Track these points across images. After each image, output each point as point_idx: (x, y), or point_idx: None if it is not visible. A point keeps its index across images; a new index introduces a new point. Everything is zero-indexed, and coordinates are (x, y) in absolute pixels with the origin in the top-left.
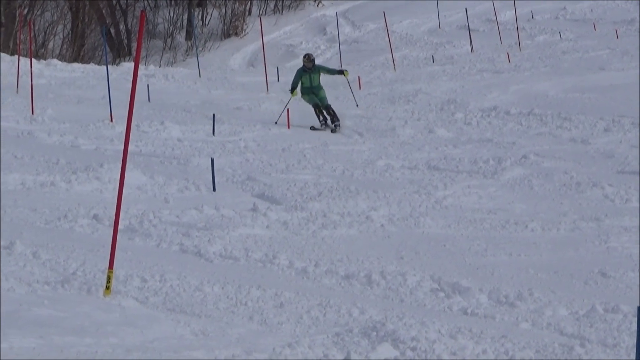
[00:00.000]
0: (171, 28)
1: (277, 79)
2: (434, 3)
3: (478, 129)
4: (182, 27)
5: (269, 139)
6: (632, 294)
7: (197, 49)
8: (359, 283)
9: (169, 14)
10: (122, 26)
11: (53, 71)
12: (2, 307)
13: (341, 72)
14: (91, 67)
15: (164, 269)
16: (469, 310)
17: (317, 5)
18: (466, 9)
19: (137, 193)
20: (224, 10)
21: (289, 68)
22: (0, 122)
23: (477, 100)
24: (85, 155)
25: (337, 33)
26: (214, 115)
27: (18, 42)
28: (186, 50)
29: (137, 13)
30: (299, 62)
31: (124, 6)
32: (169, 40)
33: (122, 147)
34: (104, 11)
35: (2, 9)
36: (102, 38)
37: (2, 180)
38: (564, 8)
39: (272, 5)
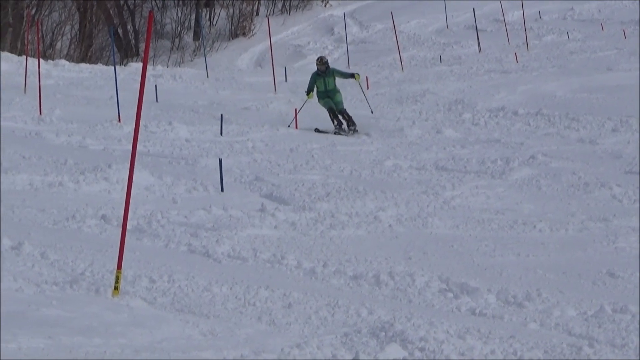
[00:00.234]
0: (179, 28)
1: (284, 79)
2: (442, 3)
3: (486, 129)
4: (190, 28)
5: (276, 139)
6: None
7: (204, 49)
8: (367, 283)
9: (177, 14)
10: (129, 26)
11: (61, 71)
12: (11, 308)
13: (352, 75)
14: (99, 67)
15: (172, 269)
16: (477, 311)
17: (325, 6)
18: (474, 9)
19: (145, 193)
20: (231, 10)
21: (296, 68)
22: (0, 121)
23: (484, 101)
24: (93, 155)
25: (344, 33)
26: (221, 115)
27: (26, 42)
28: (194, 51)
29: (145, 13)
30: (306, 63)
31: (131, 6)
32: (176, 40)
33: (130, 148)
34: (111, 11)
35: (10, 9)
36: (109, 38)
37: (10, 180)
38: (572, 8)
39: (279, 5)
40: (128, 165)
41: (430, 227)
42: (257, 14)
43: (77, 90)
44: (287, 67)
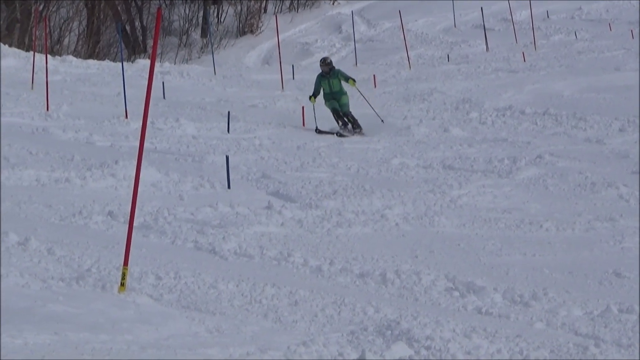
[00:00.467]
0: (186, 25)
1: (292, 77)
2: (450, 2)
3: (493, 128)
4: (198, 25)
5: (283, 137)
6: None
7: (212, 47)
8: (374, 282)
9: (185, 11)
10: (137, 23)
11: (68, 67)
12: (17, 303)
13: (348, 79)
14: (106, 63)
15: (178, 266)
16: (483, 310)
17: (333, 4)
18: (482, 8)
19: (151, 190)
20: (239, 7)
21: (304, 66)
22: (0, 118)
23: (492, 100)
24: (100, 151)
25: (352, 31)
26: (229, 112)
27: (33, 38)
28: (201, 48)
29: (153, 10)
30: (314, 61)
31: (139, 3)
32: (184, 37)
33: (137, 144)
34: (119, 8)
35: (17, 5)
36: (117, 35)
37: (17, 176)
38: (580, 8)
39: (287, 3)
40: (135, 162)
41: (437, 226)
42: (265, 11)
43: (85, 86)
44: (294, 65)
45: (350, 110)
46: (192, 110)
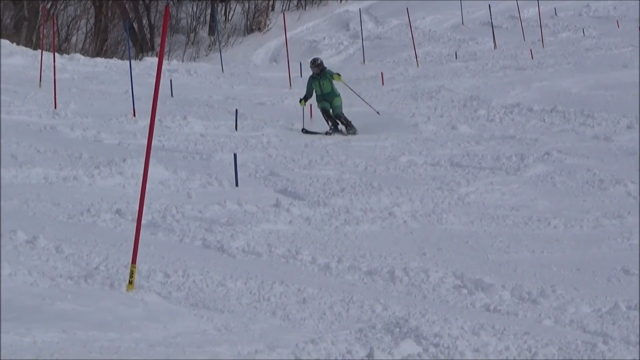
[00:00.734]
0: (194, 23)
1: (300, 74)
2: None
3: (501, 125)
4: (205, 22)
5: (291, 135)
6: None
7: (220, 44)
8: (382, 279)
9: (192, 9)
10: (145, 21)
11: (76, 65)
12: (26, 302)
13: (333, 75)
14: (114, 61)
15: (186, 264)
16: (491, 307)
17: (340, 1)
18: (489, 6)
19: (159, 188)
20: (247, 5)
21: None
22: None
23: (499, 97)
24: (107, 149)
25: (360, 29)
26: (236, 110)
27: (41, 36)
28: (209, 46)
29: (160, 8)
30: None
31: (147, 1)
32: (192, 35)
33: (144, 142)
34: (127, 6)
35: (25, 3)
36: (125, 33)
37: (25, 174)
38: (587, 5)
39: (295, 1)
40: (143, 160)
41: (445, 223)
42: (273, 9)
43: (92, 84)
44: (302, 63)
45: (343, 111)
46: (200, 108)
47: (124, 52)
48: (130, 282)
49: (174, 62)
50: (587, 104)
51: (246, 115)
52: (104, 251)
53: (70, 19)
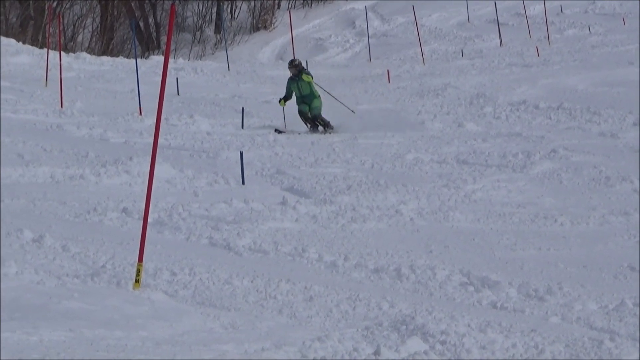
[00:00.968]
0: (200, 21)
1: None
2: None
3: (507, 123)
4: (211, 21)
5: (297, 134)
6: None
7: (226, 43)
8: (389, 277)
9: (198, 7)
10: (151, 19)
11: (82, 64)
12: (32, 300)
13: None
14: (120, 60)
15: (193, 262)
16: (498, 304)
17: None
18: (495, 3)
19: (166, 186)
20: (253, 3)
21: (317, 62)
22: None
23: (506, 94)
24: (114, 148)
25: (366, 27)
26: (243, 108)
27: (47, 35)
28: (215, 44)
29: (166, 6)
30: (328, 56)
31: (152, 0)
32: (198, 33)
33: (151, 140)
34: (132, 4)
35: (31, 2)
36: (131, 31)
37: (31, 173)
38: (593, 2)
39: None
40: (149, 158)
41: (452, 221)
42: (279, 7)
43: (98, 83)
44: (308, 61)
45: (322, 113)
46: (206, 106)
47: (130, 50)
48: (137, 281)
49: (180, 60)
50: (593, 101)
51: (252, 113)
52: (111, 250)
53: (76, 17)
